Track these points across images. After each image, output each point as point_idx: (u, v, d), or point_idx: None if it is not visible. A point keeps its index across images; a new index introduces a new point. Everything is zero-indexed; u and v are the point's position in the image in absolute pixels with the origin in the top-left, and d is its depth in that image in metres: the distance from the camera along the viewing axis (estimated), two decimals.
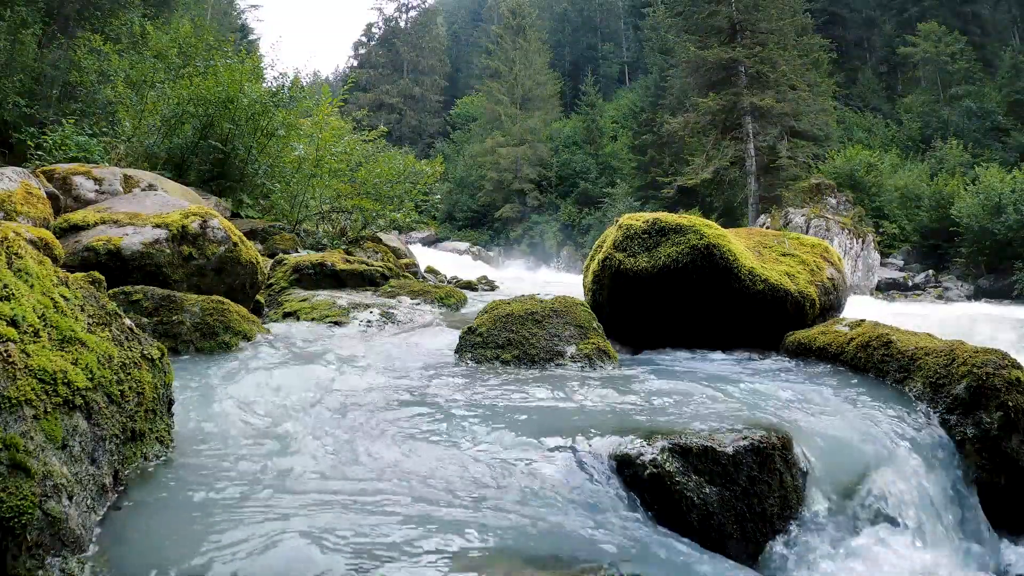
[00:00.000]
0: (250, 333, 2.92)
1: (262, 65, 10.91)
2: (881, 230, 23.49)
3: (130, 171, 5.57)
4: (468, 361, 2.80)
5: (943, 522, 1.89)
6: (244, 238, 3.95)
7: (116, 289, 2.76)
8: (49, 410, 1.17)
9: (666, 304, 3.36)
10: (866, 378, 2.57)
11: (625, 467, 1.65)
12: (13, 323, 1.21)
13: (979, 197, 20.36)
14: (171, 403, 1.72)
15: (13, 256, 1.37)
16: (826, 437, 1.93)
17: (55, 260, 2.88)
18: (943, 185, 23.55)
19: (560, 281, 17.12)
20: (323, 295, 4.48)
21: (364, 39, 57.56)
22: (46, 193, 3.94)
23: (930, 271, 21.79)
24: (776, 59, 25.58)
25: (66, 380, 1.24)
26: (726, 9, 26.43)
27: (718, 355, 3.20)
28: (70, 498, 1.14)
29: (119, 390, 1.42)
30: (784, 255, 3.70)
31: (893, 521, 1.81)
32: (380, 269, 5.50)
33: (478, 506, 1.39)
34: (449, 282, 9.52)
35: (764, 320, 3.33)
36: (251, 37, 40.93)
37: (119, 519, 1.24)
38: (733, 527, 1.64)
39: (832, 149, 26.99)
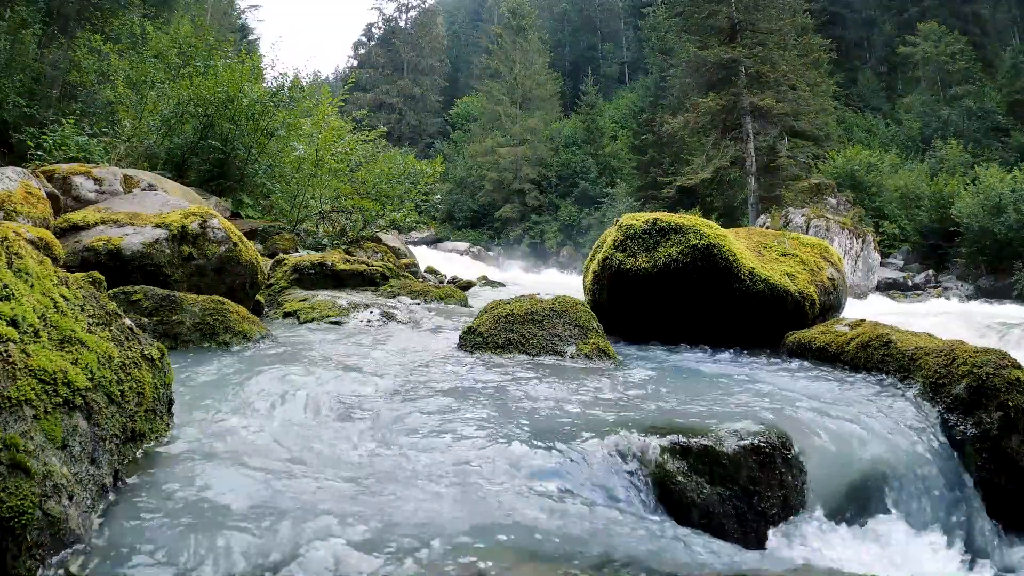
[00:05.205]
0: (250, 333, 2.92)
1: (262, 65, 10.90)
2: (881, 230, 23.48)
3: (130, 171, 5.57)
4: (468, 361, 2.80)
5: (943, 521, 1.89)
6: (244, 238, 3.95)
7: (116, 289, 2.76)
8: (49, 410, 1.17)
9: (666, 304, 3.36)
10: (866, 378, 2.57)
11: (626, 466, 1.66)
12: (13, 323, 1.21)
13: (979, 197, 20.37)
14: (171, 403, 1.72)
15: (13, 256, 1.37)
16: (826, 437, 1.92)
17: (55, 260, 2.88)
18: (943, 185, 23.56)
19: (560, 281, 17.11)
20: (323, 295, 4.48)
21: (364, 39, 57.61)
22: (46, 193, 3.94)
23: (930, 271, 21.79)
24: (776, 59, 25.57)
25: (66, 380, 1.24)
26: (726, 9, 26.42)
27: (718, 355, 3.20)
28: (70, 498, 1.14)
29: (119, 390, 1.42)
30: (784, 255, 3.70)
31: (893, 520, 1.81)
32: (380, 269, 5.50)
33: (482, 502, 1.39)
34: (449, 282, 9.53)
35: (764, 320, 3.33)
36: (251, 37, 40.93)
37: (119, 518, 1.24)
38: (734, 526, 1.64)
39: (832, 149, 26.99)
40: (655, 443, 1.69)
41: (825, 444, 1.90)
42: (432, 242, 31.87)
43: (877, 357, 2.59)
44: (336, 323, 3.71)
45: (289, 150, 9.38)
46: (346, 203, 9.08)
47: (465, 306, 4.99)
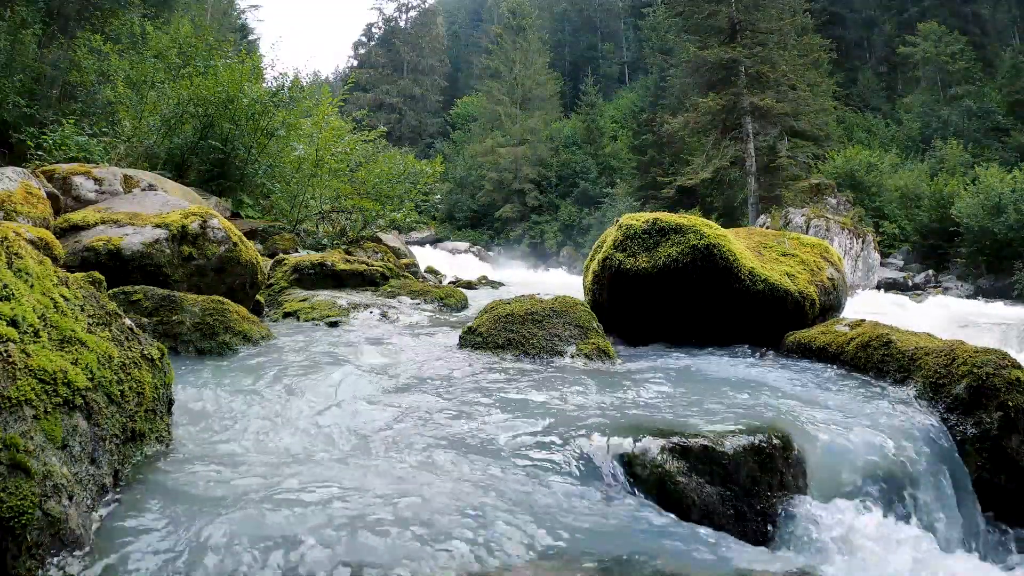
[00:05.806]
0: (250, 333, 2.92)
1: (262, 65, 10.90)
2: (881, 230, 23.48)
3: (130, 171, 5.57)
4: (468, 361, 2.80)
5: (944, 521, 1.89)
6: (244, 238, 3.95)
7: (116, 289, 2.76)
8: (49, 410, 1.17)
9: (666, 304, 3.36)
10: (866, 378, 2.58)
11: (627, 466, 1.66)
12: (13, 323, 1.21)
13: (979, 197, 20.35)
14: (171, 403, 1.71)
15: (13, 256, 1.37)
16: (826, 437, 1.92)
17: (55, 260, 2.88)
18: (943, 185, 23.55)
19: (560, 281, 17.10)
20: (323, 295, 4.48)
21: (364, 39, 57.65)
22: (46, 193, 3.94)
23: (930, 271, 21.78)
24: (776, 59, 25.57)
25: (66, 380, 1.24)
26: (726, 9, 26.42)
27: (718, 355, 3.19)
28: (70, 498, 1.14)
29: (119, 390, 1.42)
30: (784, 255, 3.70)
31: (894, 520, 1.81)
32: (380, 269, 5.50)
33: (483, 503, 1.39)
34: (449, 282, 9.53)
35: (764, 320, 3.33)
36: (251, 37, 40.86)
37: (119, 519, 1.24)
38: (734, 526, 1.64)
39: (832, 149, 26.99)
40: (655, 443, 1.69)
41: (825, 444, 1.89)
42: (432, 242, 31.87)
43: (877, 357, 2.59)
44: (336, 323, 3.71)
45: (289, 150, 9.38)
46: (346, 203, 9.09)
47: (465, 306, 4.99)
